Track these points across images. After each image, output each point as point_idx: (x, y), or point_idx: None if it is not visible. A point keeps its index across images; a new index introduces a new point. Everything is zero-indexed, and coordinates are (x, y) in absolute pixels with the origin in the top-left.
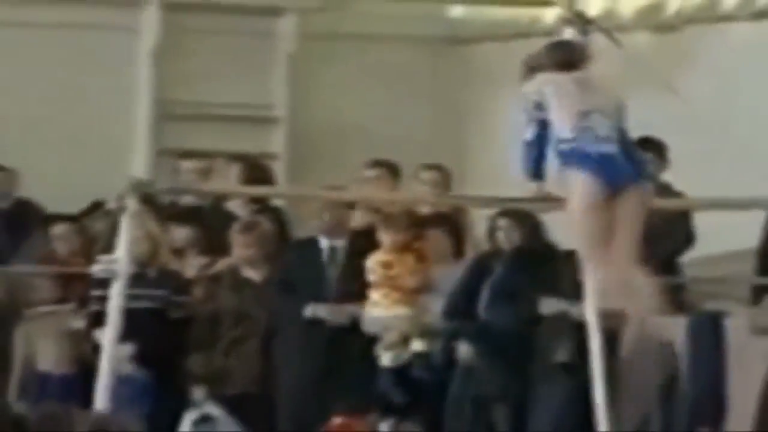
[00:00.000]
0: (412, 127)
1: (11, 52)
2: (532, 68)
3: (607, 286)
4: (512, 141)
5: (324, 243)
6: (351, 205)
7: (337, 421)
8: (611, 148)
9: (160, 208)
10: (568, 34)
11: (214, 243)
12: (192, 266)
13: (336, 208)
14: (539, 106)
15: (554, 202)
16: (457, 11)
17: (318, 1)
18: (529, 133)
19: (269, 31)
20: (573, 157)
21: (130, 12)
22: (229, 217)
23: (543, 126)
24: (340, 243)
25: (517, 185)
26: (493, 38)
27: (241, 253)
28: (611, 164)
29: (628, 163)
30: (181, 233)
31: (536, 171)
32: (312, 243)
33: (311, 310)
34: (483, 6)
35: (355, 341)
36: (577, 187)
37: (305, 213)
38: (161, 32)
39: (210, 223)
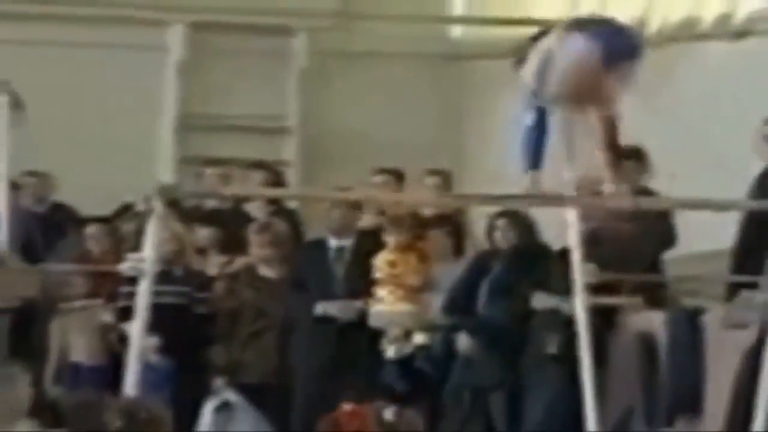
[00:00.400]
0: (415, 136)
1: (50, 67)
2: (521, 59)
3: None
4: (511, 136)
5: (332, 243)
6: (358, 208)
7: (346, 408)
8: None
9: (185, 211)
10: None
11: (233, 243)
12: (213, 265)
13: (343, 209)
14: (536, 94)
15: (550, 199)
16: (456, 31)
17: (327, 22)
18: (529, 119)
19: (283, 49)
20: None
21: (158, 32)
22: (248, 219)
23: (541, 112)
24: (347, 243)
25: (511, 186)
26: (489, 56)
27: (258, 252)
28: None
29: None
30: (203, 234)
31: (535, 159)
32: (320, 244)
33: (322, 308)
34: (480, 26)
35: (362, 335)
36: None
37: (316, 215)
38: (186, 51)
39: (230, 225)
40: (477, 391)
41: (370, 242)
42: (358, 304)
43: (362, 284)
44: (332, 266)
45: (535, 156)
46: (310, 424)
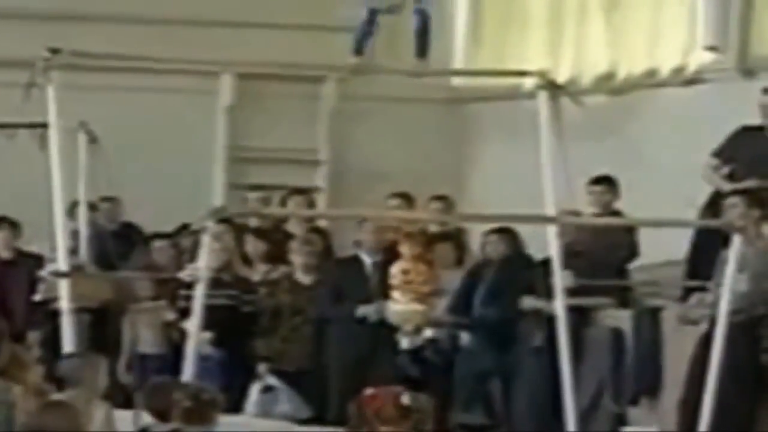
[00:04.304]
0: (423, 166)
1: (121, 109)
2: None
3: None
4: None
5: (366, 259)
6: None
7: (369, 392)
8: None
9: (237, 228)
10: (542, 96)
11: (275, 254)
12: (258, 272)
13: (376, 232)
14: None
15: (534, 218)
16: (457, 80)
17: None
18: (364, 15)
19: (315, 94)
20: None
21: (211, 80)
22: (287, 235)
23: (373, 13)
24: (379, 258)
25: (501, 209)
26: (484, 100)
27: (300, 261)
28: None
29: None
30: (252, 247)
31: (359, 46)
32: (355, 259)
33: (361, 311)
34: (477, 76)
35: (382, 330)
36: None
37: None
38: (234, 96)
39: (272, 240)
40: (477, 377)
41: (389, 255)
42: (380, 304)
43: (383, 289)
44: (367, 277)
45: (359, 44)
46: (344, 406)
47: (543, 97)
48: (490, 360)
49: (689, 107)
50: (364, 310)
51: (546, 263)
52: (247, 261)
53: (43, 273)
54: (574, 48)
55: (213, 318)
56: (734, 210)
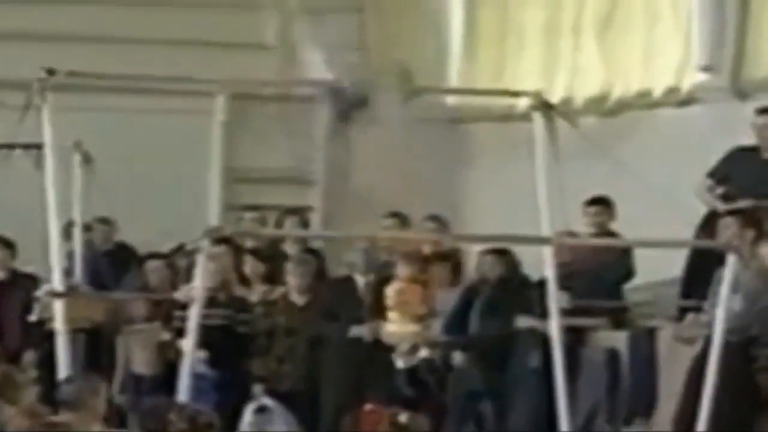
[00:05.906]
0: (418, 186)
1: (116, 130)
2: None
3: None
4: None
5: (360, 279)
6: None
7: (367, 407)
8: None
9: (235, 248)
10: (537, 117)
11: (273, 275)
12: (256, 292)
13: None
14: None
15: (530, 239)
16: (452, 100)
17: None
18: None
19: (309, 114)
20: None
21: (206, 100)
22: (284, 256)
23: None
24: (371, 278)
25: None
26: (480, 120)
27: (295, 281)
28: None
29: None
30: (251, 267)
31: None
32: (349, 279)
33: (355, 331)
34: (472, 96)
35: (379, 349)
36: None
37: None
38: (229, 116)
39: (270, 260)
40: (471, 397)
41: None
42: (377, 324)
43: (379, 309)
44: (361, 297)
45: None
46: (338, 427)
47: (538, 117)
48: (483, 380)
49: (683, 128)
50: (357, 331)
51: (541, 284)
52: (244, 281)
53: (39, 293)
54: (568, 69)
55: (208, 338)
56: (728, 230)
